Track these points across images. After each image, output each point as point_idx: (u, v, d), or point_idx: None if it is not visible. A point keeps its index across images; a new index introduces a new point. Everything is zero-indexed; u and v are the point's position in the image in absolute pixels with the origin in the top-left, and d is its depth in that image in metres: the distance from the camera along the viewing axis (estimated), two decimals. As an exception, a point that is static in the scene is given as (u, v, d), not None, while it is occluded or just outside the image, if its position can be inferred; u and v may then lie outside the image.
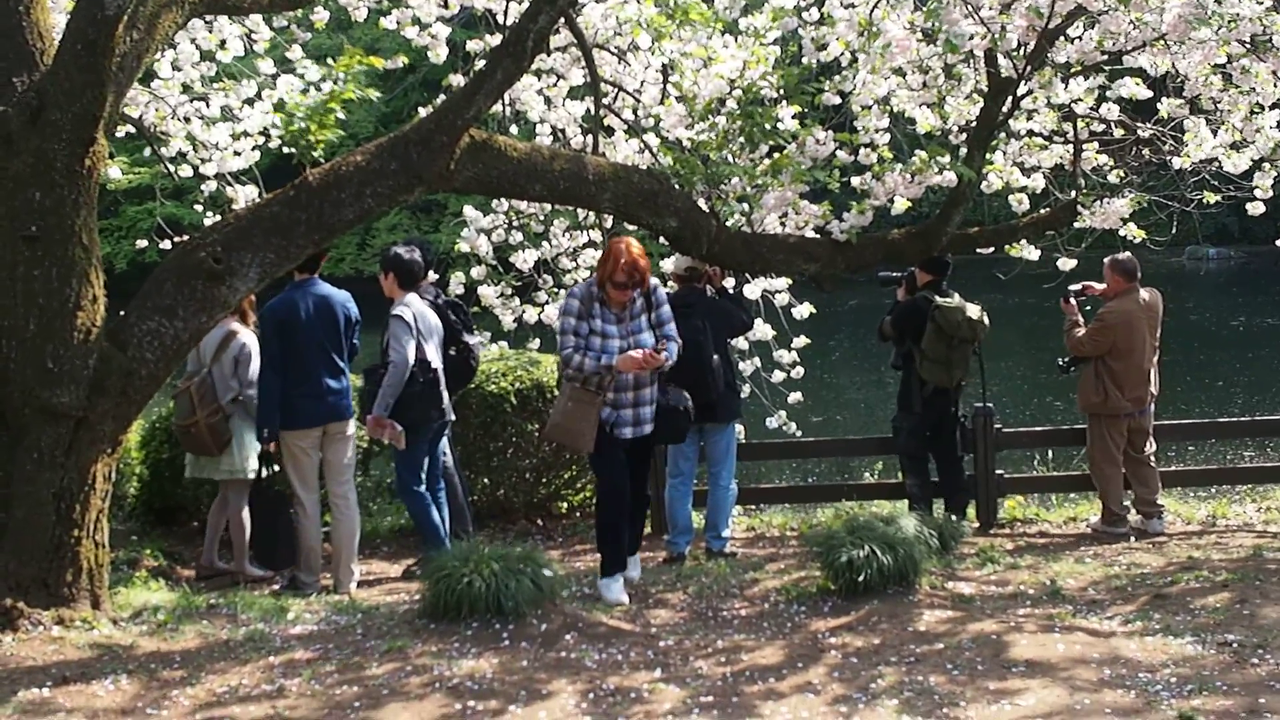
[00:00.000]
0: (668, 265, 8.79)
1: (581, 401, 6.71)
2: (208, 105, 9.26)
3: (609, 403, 6.77)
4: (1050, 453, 11.53)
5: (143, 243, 11.05)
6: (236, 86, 9.21)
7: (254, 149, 9.31)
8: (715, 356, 8.05)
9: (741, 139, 7.80)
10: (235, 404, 8.05)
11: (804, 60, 8.05)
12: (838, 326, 23.55)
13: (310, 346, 7.69)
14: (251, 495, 8.09)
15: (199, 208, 10.03)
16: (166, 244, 9.95)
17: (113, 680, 5.33)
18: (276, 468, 7.81)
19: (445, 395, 7.98)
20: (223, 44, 8.95)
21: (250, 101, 9.28)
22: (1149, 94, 8.27)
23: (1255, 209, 8.31)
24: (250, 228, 6.47)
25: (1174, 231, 9.07)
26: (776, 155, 7.76)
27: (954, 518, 8.56)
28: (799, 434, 10.05)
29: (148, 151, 11.34)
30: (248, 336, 8.11)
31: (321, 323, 7.74)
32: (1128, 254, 8.82)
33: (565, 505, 9.85)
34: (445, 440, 8.29)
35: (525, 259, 9.30)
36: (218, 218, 8.12)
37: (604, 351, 6.68)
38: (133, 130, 9.15)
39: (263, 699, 5.15)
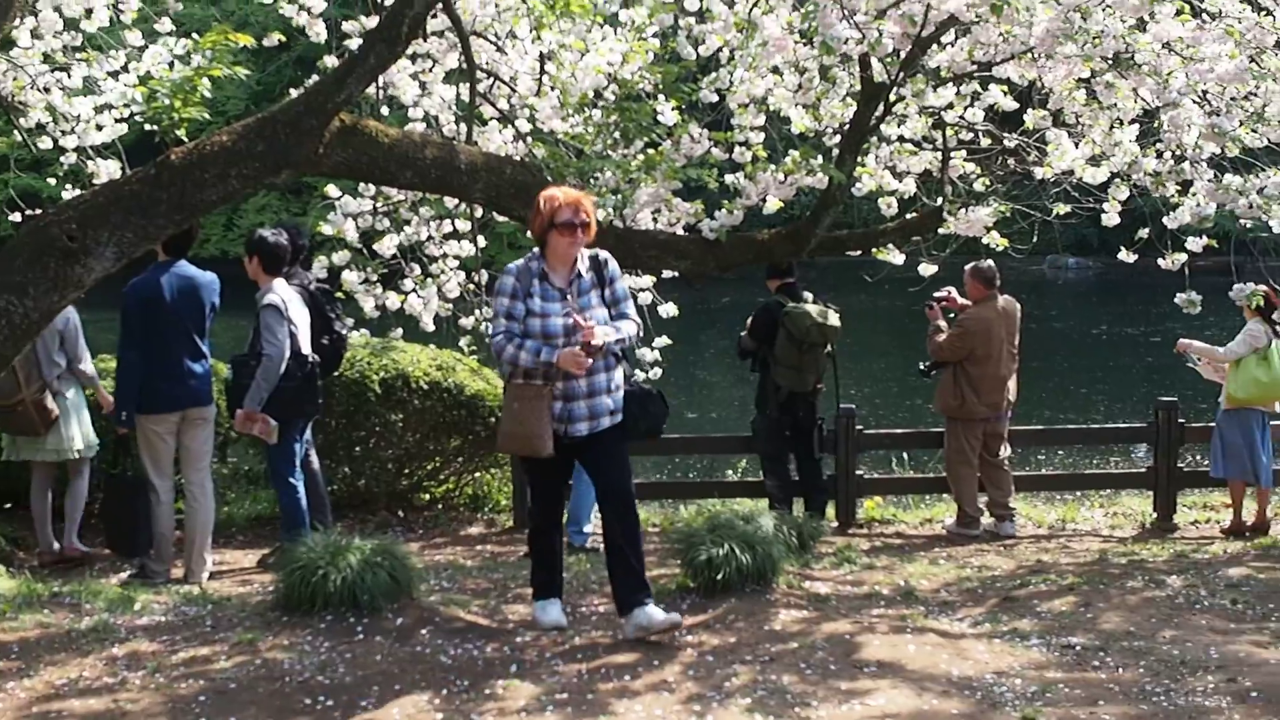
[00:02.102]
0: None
1: (528, 398, 5.73)
2: (69, 76, 8.96)
3: (558, 394, 5.78)
4: (905, 455, 11.73)
5: (-2, 214, 10.68)
6: (101, 58, 8.94)
7: (118, 122, 9.04)
8: None
9: (617, 134, 7.79)
10: (61, 380, 7.87)
11: (683, 56, 8.07)
12: (710, 323, 23.71)
13: (173, 329, 7.52)
14: (106, 480, 7.90)
15: (53, 181, 9.71)
16: (16, 216, 9.64)
17: (-55, 671, 5.15)
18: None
19: (320, 386, 7.87)
20: (88, 13, 8.67)
21: (115, 74, 9.00)
22: (1015, 105, 8.45)
23: (1110, 220, 8.54)
24: (108, 205, 6.27)
25: (1035, 240, 9.28)
26: (651, 151, 7.76)
27: (813, 517, 8.67)
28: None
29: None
30: (71, 311, 7.90)
31: (186, 305, 7.58)
32: (988, 262, 9.02)
33: (427, 497, 9.77)
34: (309, 429, 8.16)
35: (388, 245, 9.16)
36: (78, 192, 7.89)
37: (544, 333, 5.71)
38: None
39: (103, 692, 5.01)
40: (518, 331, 5.75)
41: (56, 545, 8.08)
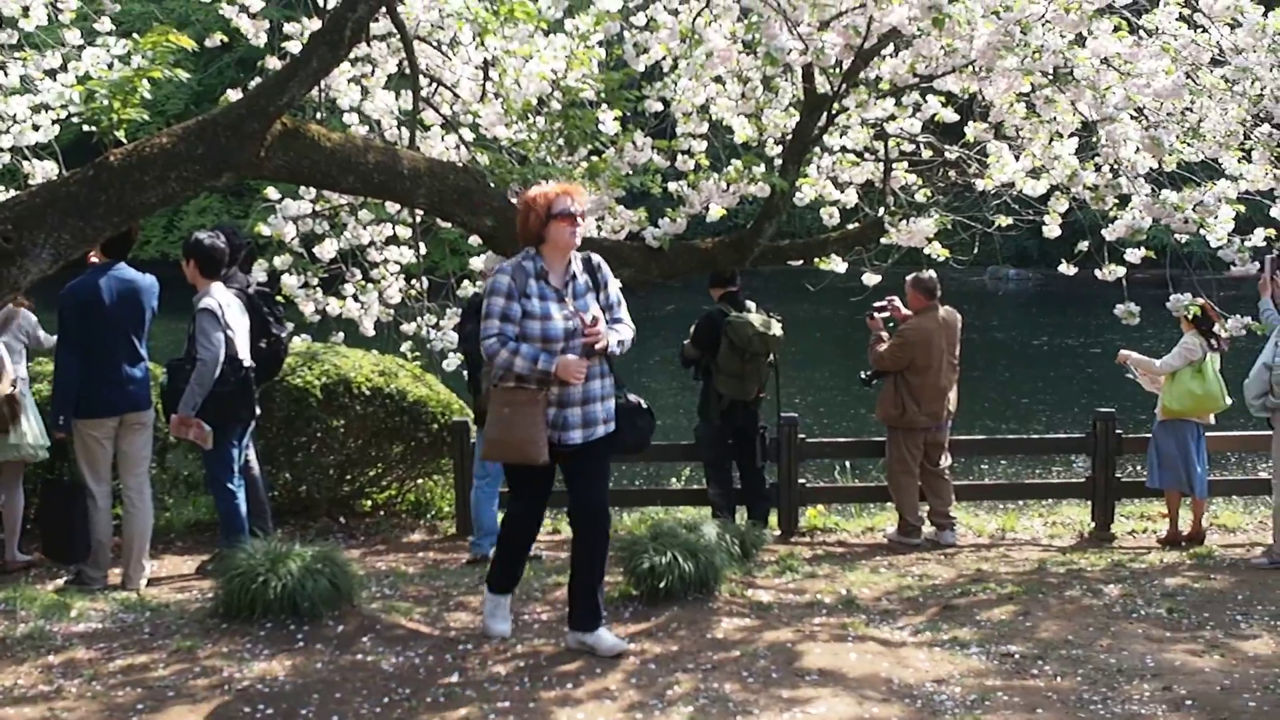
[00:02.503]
0: (477, 264, 8.73)
1: (520, 404, 5.38)
2: (6, 75, 8.84)
3: (552, 400, 5.49)
4: (848, 464, 11.80)
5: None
6: (38, 57, 8.82)
7: (54, 123, 8.92)
8: None
9: (560, 141, 7.78)
10: (20, 379, 7.82)
11: (628, 65, 8.09)
12: (655, 331, 23.75)
13: (112, 332, 7.44)
14: (42, 486, 7.79)
15: (-11, 181, 9.58)
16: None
17: (-126, 679, 5.06)
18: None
19: (255, 391, 7.79)
20: (25, 11, 8.56)
21: (52, 73, 8.88)
22: (956, 117, 8.53)
23: (1051, 232, 8.64)
24: (45, 206, 6.18)
25: (976, 252, 9.36)
26: (595, 159, 7.77)
27: (756, 525, 8.69)
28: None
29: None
30: (28, 314, 7.91)
31: (125, 308, 7.50)
32: (929, 273, 9.10)
33: (369, 503, 9.70)
34: (248, 434, 8.08)
35: (328, 249, 9.09)
36: (13, 193, 7.78)
37: (545, 336, 5.40)
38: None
39: (39, 700, 4.94)
40: (512, 334, 5.41)
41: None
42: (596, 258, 5.75)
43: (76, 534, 7.50)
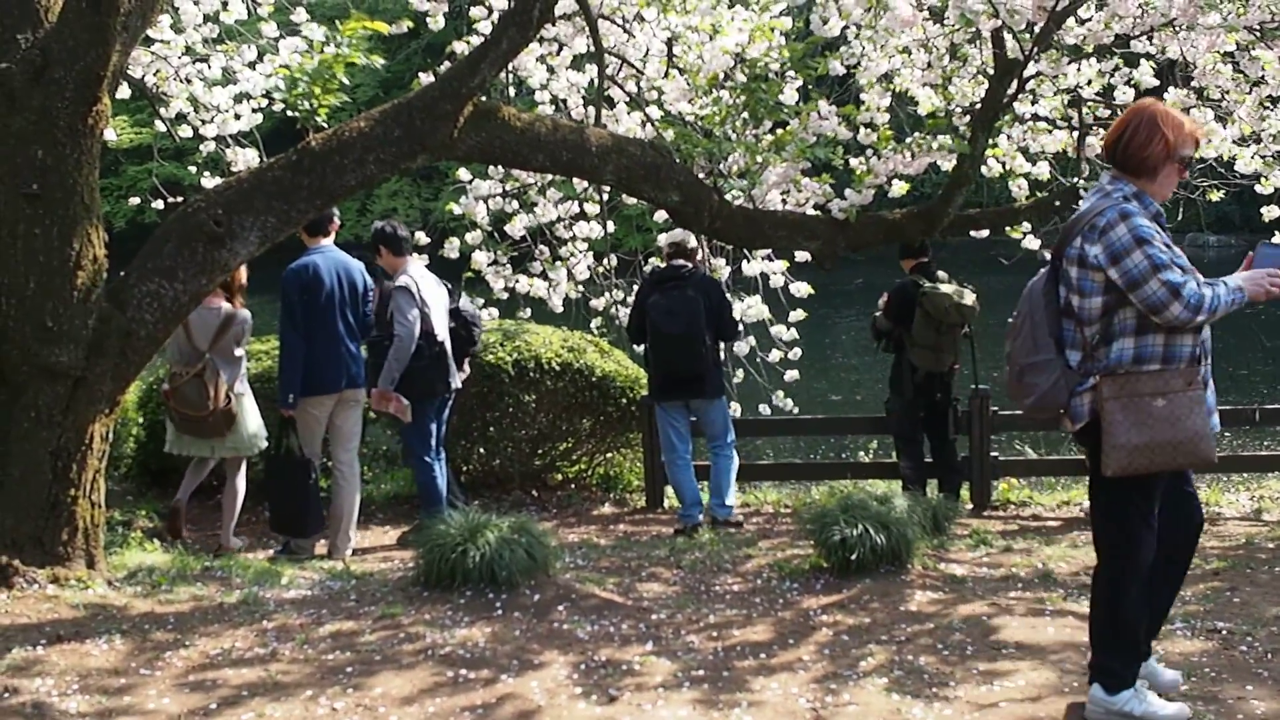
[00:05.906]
0: (664, 239, 8.79)
1: (1178, 391, 4.20)
2: (209, 67, 9.22)
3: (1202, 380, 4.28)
4: (1043, 436, 11.55)
5: (141, 201, 11.05)
6: (239, 48, 9.18)
7: (255, 111, 9.27)
8: (706, 330, 8.11)
9: (745, 114, 7.79)
10: (239, 380, 8.07)
11: (811, 34, 8.04)
12: (845, 304, 23.55)
13: (332, 312, 7.65)
14: (269, 462, 7.97)
15: (193, 169, 10.02)
16: (159, 204, 9.97)
17: (106, 640, 5.34)
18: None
19: (452, 366, 7.98)
20: (225, 5, 8.92)
21: (252, 64, 9.24)
22: (1156, 82, 8.26)
23: (1271, 213, 8.31)
24: (252, 191, 6.45)
25: (1178, 219, 9.07)
26: (779, 131, 7.75)
27: (947, 498, 8.58)
28: (795, 411, 10.06)
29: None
30: (243, 313, 8.06)
31: (342, 288, 7.71)
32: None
33: (560, 476, 9.87)
34: (447, 409, 8.27)
35: (518, 226, 9.26)
36: (215, 180, 8.11)
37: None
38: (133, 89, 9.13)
39: (255, 662, 5.16)
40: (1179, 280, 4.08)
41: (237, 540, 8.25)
42: None
43: (310, 508, 7.67)
